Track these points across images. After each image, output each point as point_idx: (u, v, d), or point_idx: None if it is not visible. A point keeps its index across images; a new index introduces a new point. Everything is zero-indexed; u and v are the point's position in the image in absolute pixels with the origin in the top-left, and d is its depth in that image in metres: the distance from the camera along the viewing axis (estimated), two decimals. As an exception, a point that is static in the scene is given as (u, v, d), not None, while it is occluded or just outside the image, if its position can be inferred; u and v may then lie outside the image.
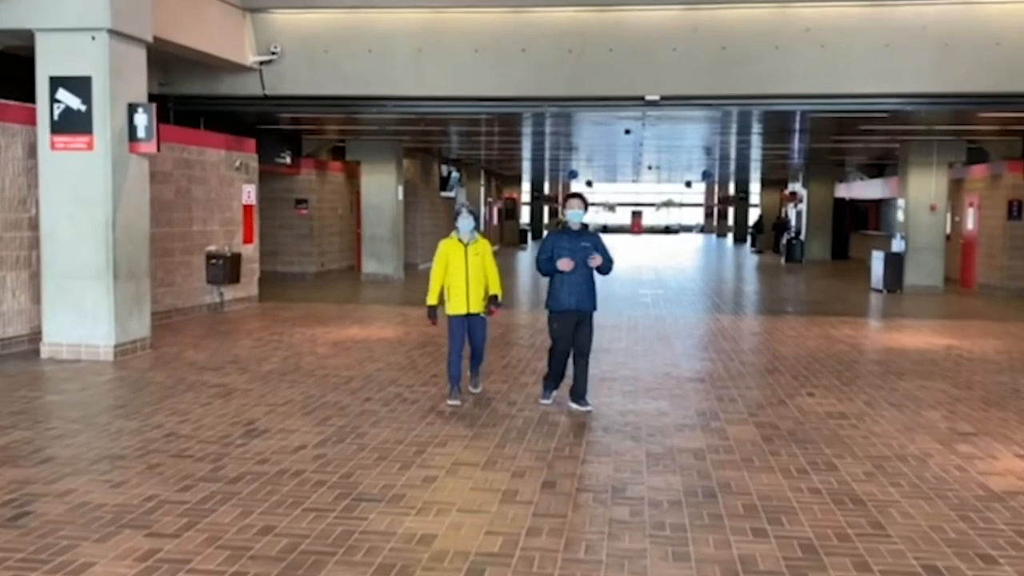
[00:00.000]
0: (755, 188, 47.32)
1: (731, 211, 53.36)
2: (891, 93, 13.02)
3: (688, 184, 43.19)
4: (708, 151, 26.66)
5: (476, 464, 6.02)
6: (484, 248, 7.99)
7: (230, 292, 14.65)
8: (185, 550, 4.43)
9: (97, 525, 4.75)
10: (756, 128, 19.27)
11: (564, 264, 7.42)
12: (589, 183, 42.84)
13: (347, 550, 4.47)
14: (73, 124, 9.71)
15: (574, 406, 7.64)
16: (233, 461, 5.98)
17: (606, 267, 7.60)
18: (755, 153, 26.60)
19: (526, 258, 31.32)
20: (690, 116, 16.72)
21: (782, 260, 30.61)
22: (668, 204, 64.06)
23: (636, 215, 62.04)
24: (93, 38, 9.59)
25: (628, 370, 9.61)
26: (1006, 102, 13.02)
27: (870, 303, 17.35)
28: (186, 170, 13.68)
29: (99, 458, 6.00)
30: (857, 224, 33.07)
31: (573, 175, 36.91)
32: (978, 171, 20.22)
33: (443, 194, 28.43)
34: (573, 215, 7.69)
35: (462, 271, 7.81)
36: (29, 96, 9.99)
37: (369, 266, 21.15)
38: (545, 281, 7.80)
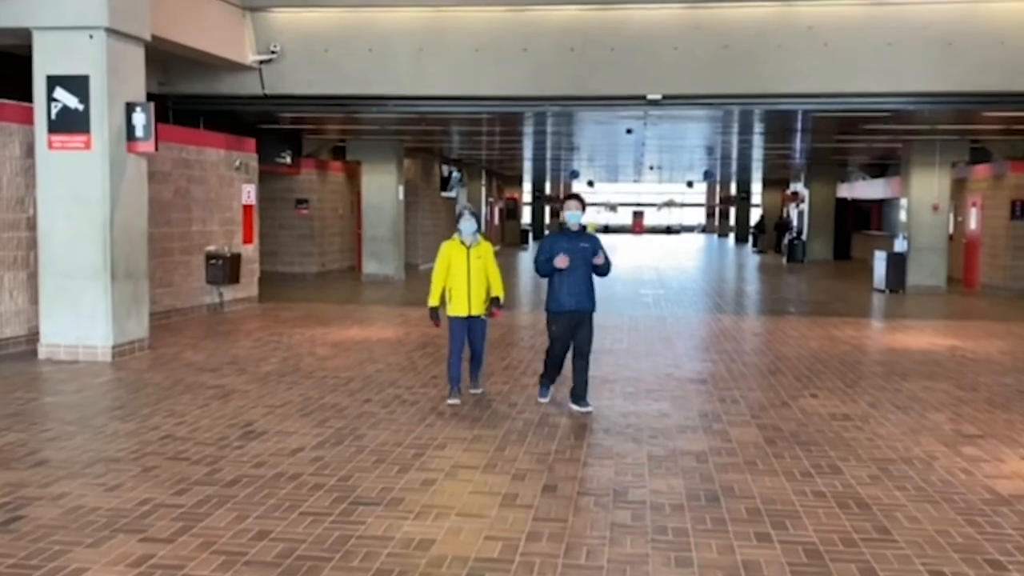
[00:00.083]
0: (757, 188, 47.25)
1: (732, 211, 53.24)
2: (894, 92, 12.94)
3: (689, 184, 43.12)
4: (710, 151, 26.59)
5: (476, 467, 5.94)
6: (486, 251, 7.96)
7: (230, 292, 14.59)
8: (179, 555, 4.36)
9: (90, 530, 4.68)
10: (758, 127, 19.20)
11: (560, 261, 7.38)
12: (590, 183, 42.79)
13: (344, 555, 4.40)
14: (71, 123, 9.65)
15: (574, 407, 7.59)
16: (230, 464, 5.91)
17: (604, 268, 7.59)
18: (757, 153, 26.53)
19: (527, 258, 31.24)
20: (692, 115, 16.65)
21: (784, 260, 30.53)
22: (669, 204, 63.98)
23: (637, 215, 61.98)
24: (91, 36, 9.52)
25: (629, 371, 9.54)
26: (1009, 101, 12.93)
27: (872, 303, 17.27)
28: (185, 170, 13.61)
29: (94, 461, 5.93)
30: (859, 224, 32.99)
31: (574, 175, 36.84)
32: (981, 171, 20.15)
33: (444, 194, 28.38)
34: (571, 216, 7.67)
35: (464, 274, 7.78)
36: (26, 95, 9.93)
37: (370, 266, 21.09)
38: (545, 282, 7.75)
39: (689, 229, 64.86)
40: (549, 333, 7.78)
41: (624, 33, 12.71)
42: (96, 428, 6.83)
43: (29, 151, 10.18)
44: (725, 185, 54.58)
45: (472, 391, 8.18)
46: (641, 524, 4.88)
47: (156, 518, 4.86)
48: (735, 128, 19.42)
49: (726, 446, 6.52)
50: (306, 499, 5.22)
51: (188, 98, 13.86)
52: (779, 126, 18.86)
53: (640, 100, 13.30)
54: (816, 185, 31.15)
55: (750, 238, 42.66)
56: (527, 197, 48.93)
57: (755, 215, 45.52)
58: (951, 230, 20.43)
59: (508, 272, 23.12)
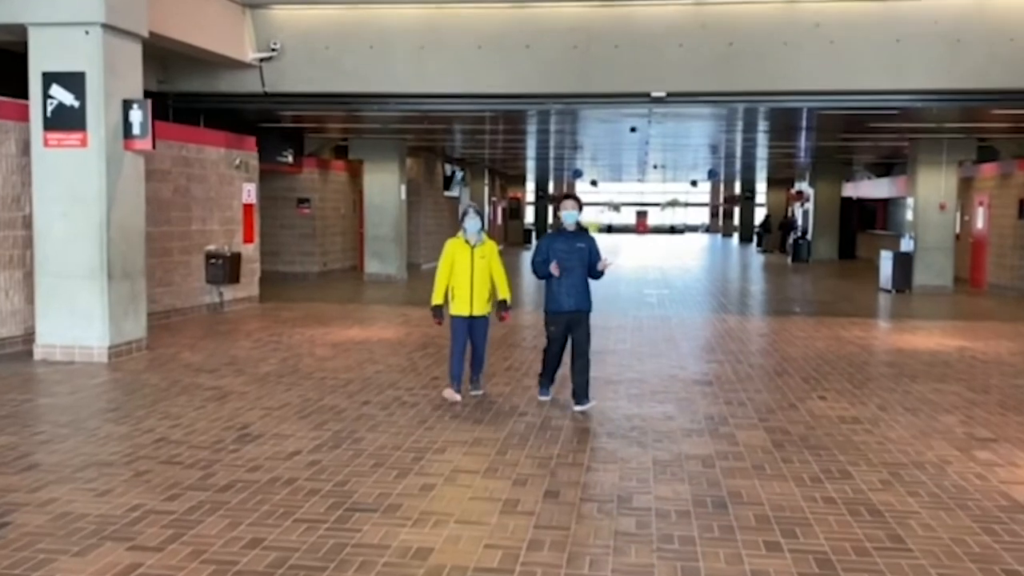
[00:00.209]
0: (761, 187, 47.07)
1: (737, 211, 53.02)
2: (901, 90, 12.78)
3: (694, 183, 42.93)
4: (714, 149, 26.43)
5: (476, 471, 5.79)
6: (491, 250, 7.87)
7: (230, 292, 14.45)
8: (168, 564, 4.21)
9: (78, 537, 4.54)
10: (763, 126, 19.05)
11: (552, 268, 7.42)
12: (594, 182, 42.57)
13: (338, 565, 4.24)
14: (67, 121, 9.51)
15: (577, 408, 7.50)
16: (224, 468, 5.76)
17: (599, 273, 7.61)
18: (761, 152, 26.38)
19: (530, 257, 31.05)
20: (696, 113, 16.50)
21: (788, 260, 30.35)
22: (673, 204, 63.78)
23: (641, 215, 61.78)
24: (87, 33, 9.39)
25: (634, 372, 9.39)
26: (1018, 99, 12.76)
27: (879, 303, 17.10)
28: (185, 168, 13.48)
29: (85, 465, 5.79)
30: (865, 223, 32.77)
31: (578, 174, 36.64)
32: (988, 170, 19.97)
33: (447, 193, 28.25)
34: (567, 216, 7.67)
35: (467, 273, 7.69)
36: (22, 92, 9.79)
37: (372, 266, 20.96)
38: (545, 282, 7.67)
39: (693, 229, 64.65)
40: (547, 333, 7.78)
41: (628, 30, 12.56)
42: (89, 431, 6.69)
43: (25, 149, 10.05)
44: (729, 184, 54.35)
45: (473, 393, 8.04)
46: (646, 532, 4.73)
47: (146, 525, 4.72)
48: (740, 126, 19.27)
49: (733, 450, 6.36)
50: (301, 505, 5.07)
51: (188, 96, 13.73)
52: (784, 124, 18.69)
53: (644, 98, 13.16)
54: (821, 184, 30.96)
55: (754, 237, 42.46)
56: (530, 196, 48.77)
57: (760, 214, 45.30)
58: (958, 229, 20.25)
59: (511, 272, 22.92)
